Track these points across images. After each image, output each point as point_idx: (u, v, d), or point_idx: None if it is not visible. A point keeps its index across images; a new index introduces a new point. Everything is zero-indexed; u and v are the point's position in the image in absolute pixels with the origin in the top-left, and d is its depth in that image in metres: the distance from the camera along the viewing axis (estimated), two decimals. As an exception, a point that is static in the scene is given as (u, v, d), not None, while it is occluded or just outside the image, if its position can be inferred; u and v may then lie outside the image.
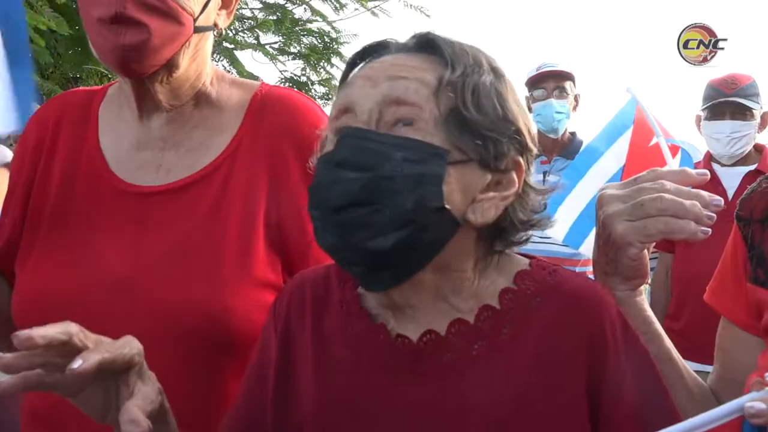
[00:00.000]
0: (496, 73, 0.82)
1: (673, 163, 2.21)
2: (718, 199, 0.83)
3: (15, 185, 1.14)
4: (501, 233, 0.83)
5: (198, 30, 1.05)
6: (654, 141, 2.26)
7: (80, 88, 1.24)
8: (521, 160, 0.81)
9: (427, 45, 0.82)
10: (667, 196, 0.82)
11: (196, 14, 1.03)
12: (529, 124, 0.84)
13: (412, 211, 0.74)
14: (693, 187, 0.85)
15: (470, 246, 0.82)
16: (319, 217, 0.78)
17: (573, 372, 0.79)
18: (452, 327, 0.82)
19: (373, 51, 0.85)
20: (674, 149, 2.29)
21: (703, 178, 0.87)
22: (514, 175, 0.81)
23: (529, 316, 0.82)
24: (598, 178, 2.38)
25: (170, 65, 1.05)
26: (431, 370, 0.81)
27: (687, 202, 0.82)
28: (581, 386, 0.79)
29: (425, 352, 0.81)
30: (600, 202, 0.88)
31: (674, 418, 0.81)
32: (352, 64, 0.86)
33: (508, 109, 0.80)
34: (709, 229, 0.82)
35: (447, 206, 0.76)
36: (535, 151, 0.84)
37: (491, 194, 0.80)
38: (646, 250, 0.87)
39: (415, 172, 0.74)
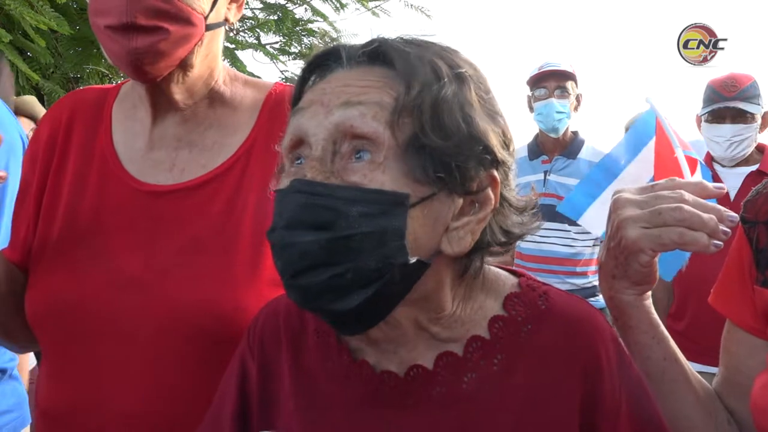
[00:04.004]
0: (459, 79, 0.74)
1: (691, 178, 2.21)
2: (733, 216, 0.83)
3: (28, 184, 1.14)
4: (477, 253, 0.78)
5: (210, 27, 1.05)
6: (675, 154, 2.25)
7: (93, 86, 1.24)
8: (495, 173, 0.75)
9: (380, 57, 0.75)
10: (686, 207, 0.81)
11: (207, 12, 1.03)
12: (504, 129, 0.77)
13: (375, 270, 0.68)
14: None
15: (444, 275, 0.77)
16: (281, 274, 0.72)
17: (565, 400, 0.77)
18: (440, 360, 0.78)
19: (324, 62, 0.78)
20: (692, 161, 2.28)
21: (720, 192, 0.87)
22: (490, 192, 0.75)
23: (520, 345, 0.79)
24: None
25: (184, 65, 1.05)
26: (420, 404, 0.78)
27: (704, 215, 0.81)
28: (574, 414, 0.77)
29: (413, 386, 0.78)
30: (615, 204, 0.87)
31: None
32: (303, 80, 0.79)
33: (474, 124, 0.73)
34: (722, 243, 0.81)
35: (413, 260, 0.70)
36: (511, 161, 0.78)
37: (465, 219, 0.74)
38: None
39: (375, 228, 0.68)
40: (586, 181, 2.44)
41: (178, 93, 1.08)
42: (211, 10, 1.04)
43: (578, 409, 0.77)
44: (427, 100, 0.71)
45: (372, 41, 0.76)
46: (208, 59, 1.09)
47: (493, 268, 0.85)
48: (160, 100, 1.09)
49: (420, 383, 0.78)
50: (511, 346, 0.79)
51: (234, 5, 1.11)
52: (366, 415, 0.79)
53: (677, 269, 2.06)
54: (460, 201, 0.73)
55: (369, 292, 0.69)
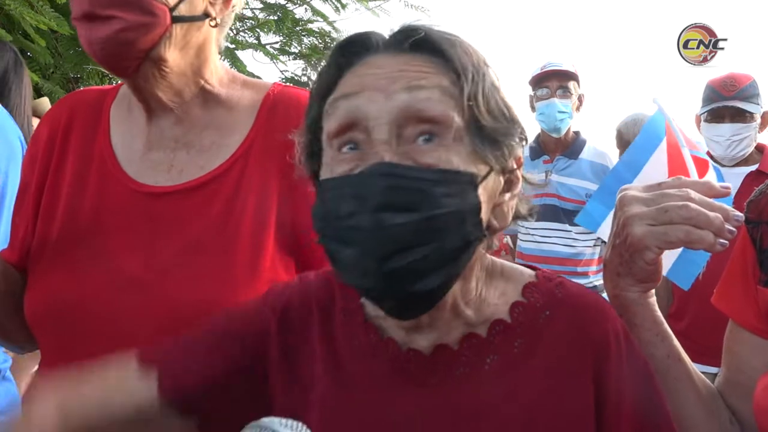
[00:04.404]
0: (488, 66, 0.79)
1: (701, 178, 2.20)
2: (740, 215, 0.83)
3: (27, 184, 1.14)
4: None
5: (177, 20, 1.02)
6: (682, 154, 2.25)
7: (92, 87, 1.24)
8: (520, 153, 0.81)
9: (423, 45, 0.76)
10: (692, 205, 0.81)
11: (173, 3, 1.01)
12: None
13: (458, 249, 0.72)
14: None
15: (479, 251, 0.80)
16: (357, 261, 0.70)
17: (581, 383, 0.79)
18: (465, 341, 0.80)
19: (353, 48, 0.78)
20: (702, 162, 2.27)
21: (726, 191, 0.87)
22: (518, 171, 0.80)
23: (539, 330, 0.81)
24: None
25: (154, 59, 1.03)
26: (443, 383, 0.80)
27: (711, 214, 0.81)
28: (589, 397, 0.79)
29: (438, 365, 0.80)
30: (621, 202, 0.88)
31: (671, 428, 0.81)
32: (329, 66, 0.79)
33: (510, 107, 0.78)
34: (727, 242, 0.81)
35: (486, 233, 0.75)
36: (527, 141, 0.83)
37: (507, 196, 0.79)
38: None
39: (457, 207, 0.71)
40: (601, 190, 2.43)
41: (160, 91, 1.07)
42: (180, 1, 1.02)
43: (592, 388, 0.79)
44: (480, 85, 0.75)
45: (415, 29, 0.77)
46: (189, 55, 1.07)
47: (508, 262, 0.88)
48: (146, 99, 1.08)
49: (444, 362, 0.80)
50: (531, 330, 0.81)
51: (219, 0, 1.08)
52: (391, 393, 0.81)
53: (695, 277, 2.06)
54: (502, 179, 0.78)
55: (448, 271, 0.72)
